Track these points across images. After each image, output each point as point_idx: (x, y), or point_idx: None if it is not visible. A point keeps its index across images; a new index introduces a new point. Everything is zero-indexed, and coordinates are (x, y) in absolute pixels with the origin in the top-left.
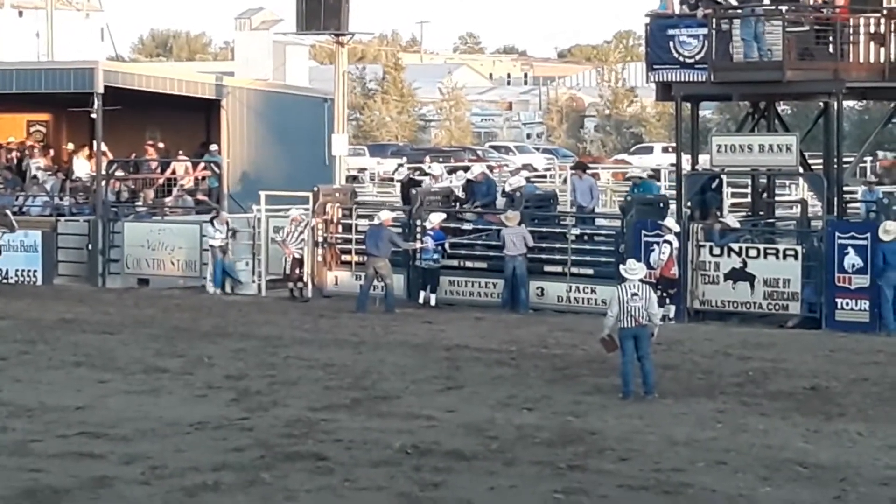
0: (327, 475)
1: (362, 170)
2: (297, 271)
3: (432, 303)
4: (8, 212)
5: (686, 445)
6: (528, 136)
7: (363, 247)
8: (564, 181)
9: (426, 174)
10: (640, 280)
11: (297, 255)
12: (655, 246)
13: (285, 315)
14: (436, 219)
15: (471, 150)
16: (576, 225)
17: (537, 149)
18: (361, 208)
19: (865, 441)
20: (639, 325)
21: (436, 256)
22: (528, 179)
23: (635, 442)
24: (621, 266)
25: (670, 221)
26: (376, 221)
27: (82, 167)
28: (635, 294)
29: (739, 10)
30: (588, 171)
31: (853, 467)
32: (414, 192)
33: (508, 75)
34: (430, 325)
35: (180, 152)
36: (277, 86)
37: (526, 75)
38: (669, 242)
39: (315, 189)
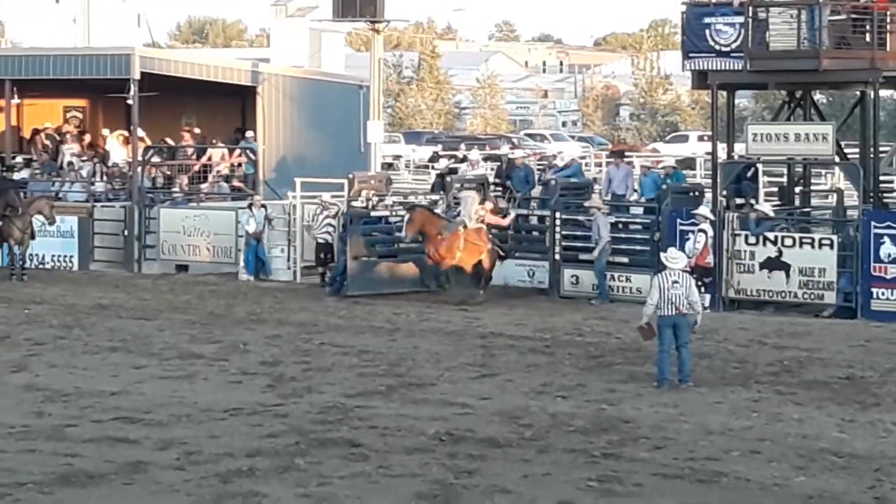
0: (361, 462)
1: (397, 157)
2: (324, 256)
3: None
4: (49, 202)
5: (720, 434)
6: (564, 124)
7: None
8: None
9: (462, 161)
10: (681, 269)
11: (320, 241)
12: (690, 235)
13: (320, 302)
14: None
15: (506, 138)
16: (610, 213)
17: (572, 137)
18: (397, 195)
19: None
20: (679, 314)
21: None
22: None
23: (669, 430)
24: (662, 254)
25: (704, 210)
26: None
27: (118, 153)
28: (676, 282)
29: None
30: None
31: (888, 458)
32: (448, 179)
33: (544, 63)
34: (464, 313)
35: (215, 140)
36: (313, 73)
37: (561, 63)
38: (704, 231)
39: (350, 176)
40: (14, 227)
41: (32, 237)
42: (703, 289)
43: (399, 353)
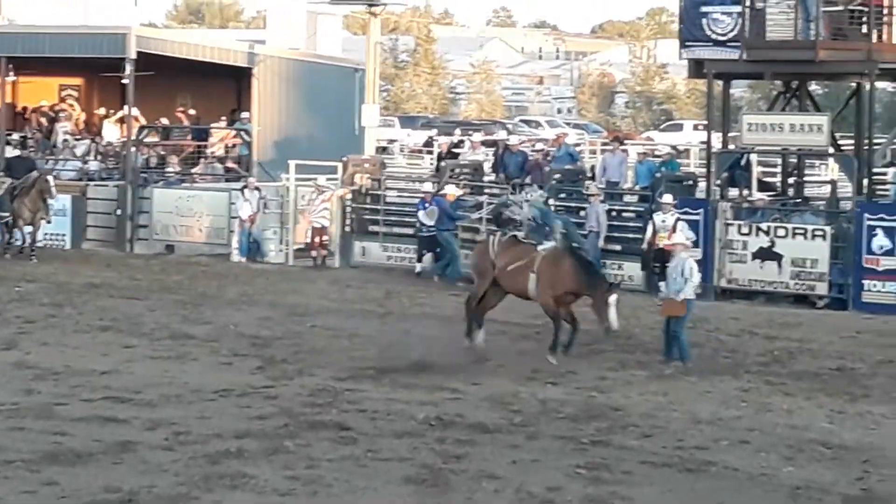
0: (350, 445)
1: (392, 141)
2: (319, 240)
3: (418, 269)
4: (50, 178)
5: (710, 423)
6: (559, 110)
7: (391, 218)
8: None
9: (460, 143)
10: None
11: (316, 225)
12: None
13: (312, 284)
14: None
15: (501, 124)
16: (604, 201)
17: (567, 124)
18: (390, 179)
19: (889, 423)
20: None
21: (430, 223)
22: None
23: (659, 419)
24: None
25: (668, 197)
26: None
27: (112, 132)
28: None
29: None
30: (621, 147)
31: (877, 449)
32: (443, 164)
33: (540, 49)
34: (456, 298)
35: (221, 118)
36: (309, 55)
37: (558, 50)
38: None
39: (344, 159)
40: (24, 208)
41: (47, 219)
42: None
43: (390, 337)
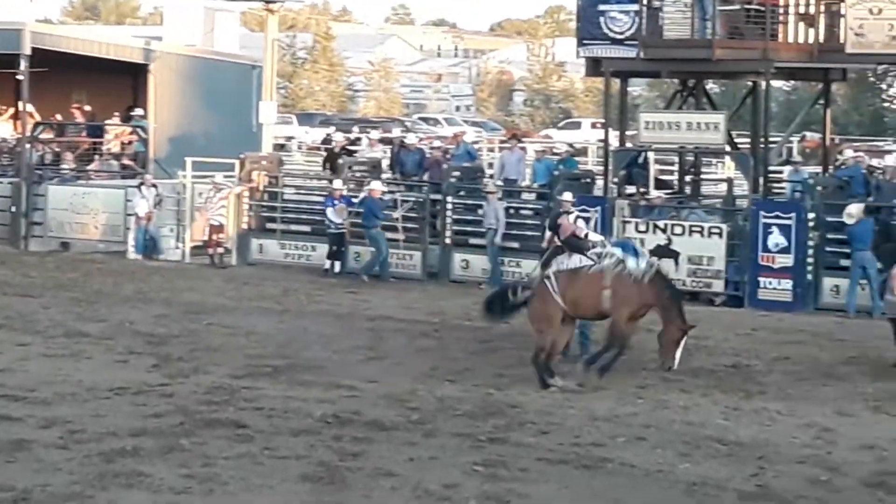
0: (247, 443)
1: (290, 138)
2: (216, 237)
3: (336, 269)
4: None
5: (606, 420)
6: (458, 108)
7: (288, 215)
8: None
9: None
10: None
11: (214, 223)
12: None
13: (209, 282)
14: (377, 186)
15: (399, 122)
16: (502, 199)
17: (466, 121)
18: (288, 177)
19: (784, 420)
20: None
21: (338, 221)
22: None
23: (556, 416)
24: None
25: (568, 195)
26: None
27: (6, 129)
28: None
29: None
30: (519, 145)
31: (772, 445)
32: (341, 161)
33: (439, 47)
34: (353, 296)
35: (115, 114)
36: (206, 52)
37: (456, 48)
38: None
39: (242, 156)
40: None
41: None
42: None
43: (287, 334)
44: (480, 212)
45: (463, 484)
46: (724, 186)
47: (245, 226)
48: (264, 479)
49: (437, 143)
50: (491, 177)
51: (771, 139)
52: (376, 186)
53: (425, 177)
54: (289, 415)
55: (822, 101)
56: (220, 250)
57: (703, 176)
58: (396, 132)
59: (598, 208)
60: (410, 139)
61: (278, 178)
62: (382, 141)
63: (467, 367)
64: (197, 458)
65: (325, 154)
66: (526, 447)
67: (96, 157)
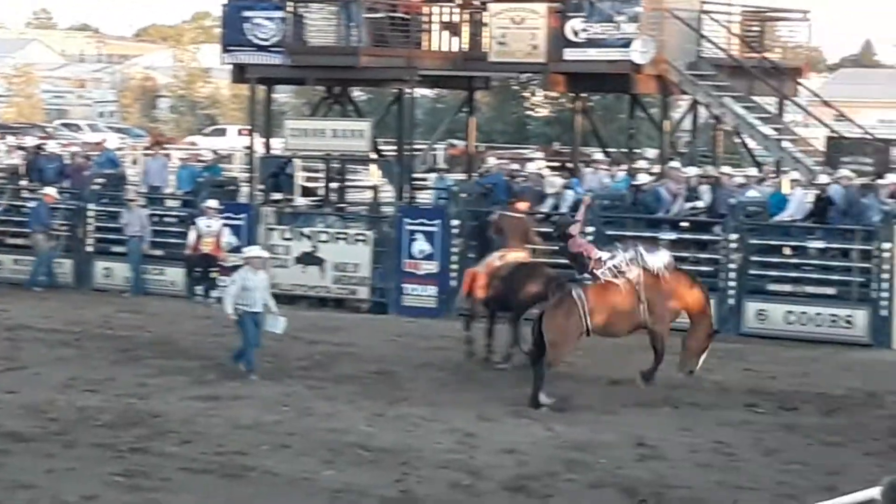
0: None
1: None
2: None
3: None
4: None
5: (250, 429)
6: (101, 114)
7: None
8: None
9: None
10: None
11: None
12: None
13: None
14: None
15: (40, 128)
16: (145, 206)
17: (110, 127)
18: None
19: (428, 425)
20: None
21: None
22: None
23: (199, 424)
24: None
25: (214, 202)
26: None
27: None
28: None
29: None
30: (163, 151)
31: (415, 451)
32: None
33: (82, 52)
34: (44, 302)
35: None
36: None
37: (100, 53)
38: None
39: None
40: None
41: None
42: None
43: None
44: (123, 220)
45: (103, 495)
46: (370, 193)
47: None
48: None
49: (75, 149)
50: (134, 184)
51: (416, 146)
52: (50, 192)
53: (65, 184)
54: None
55: (466, 109)
56: None
57: (349, 183)
58: (28, 140)
59: (244, 215)
60: (50, 146)
61: None
62: (21, 148)
63: (108, 376)
64: None
65: None
66: (168, 457)
67: None
